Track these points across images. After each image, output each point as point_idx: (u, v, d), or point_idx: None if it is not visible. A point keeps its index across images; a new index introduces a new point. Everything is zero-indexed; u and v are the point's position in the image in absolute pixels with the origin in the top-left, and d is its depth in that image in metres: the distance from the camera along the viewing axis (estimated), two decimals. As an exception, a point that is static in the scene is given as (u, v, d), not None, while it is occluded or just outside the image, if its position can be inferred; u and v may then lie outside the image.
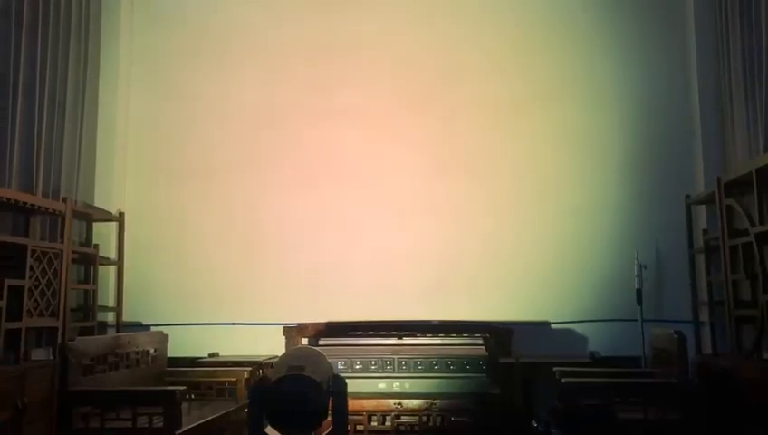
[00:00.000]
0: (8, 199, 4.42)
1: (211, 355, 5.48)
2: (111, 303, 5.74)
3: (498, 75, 5.80)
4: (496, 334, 5.21)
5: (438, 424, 4.72)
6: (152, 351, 4.90)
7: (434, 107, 5.80)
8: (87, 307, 5.45)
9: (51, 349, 4.85)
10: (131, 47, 6.14)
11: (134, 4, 6.20)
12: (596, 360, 5.08)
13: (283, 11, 6.06)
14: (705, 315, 5.18)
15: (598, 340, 5.35)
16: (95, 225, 5.69)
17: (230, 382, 4.83)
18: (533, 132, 5.70)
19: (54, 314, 4.79)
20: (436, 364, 4.97)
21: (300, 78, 5.95)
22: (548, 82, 5.73)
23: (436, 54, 5.86)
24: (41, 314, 4.65)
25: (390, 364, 5.00)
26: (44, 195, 5.03)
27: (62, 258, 4.88)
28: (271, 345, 5.33)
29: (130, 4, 6.17)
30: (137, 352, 4.70)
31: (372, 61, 5.91)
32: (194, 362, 5.25)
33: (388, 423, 4.77)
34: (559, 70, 5.73)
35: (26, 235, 4.78)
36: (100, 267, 5.55)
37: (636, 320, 5.11)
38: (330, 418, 3.56)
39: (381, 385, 4.94)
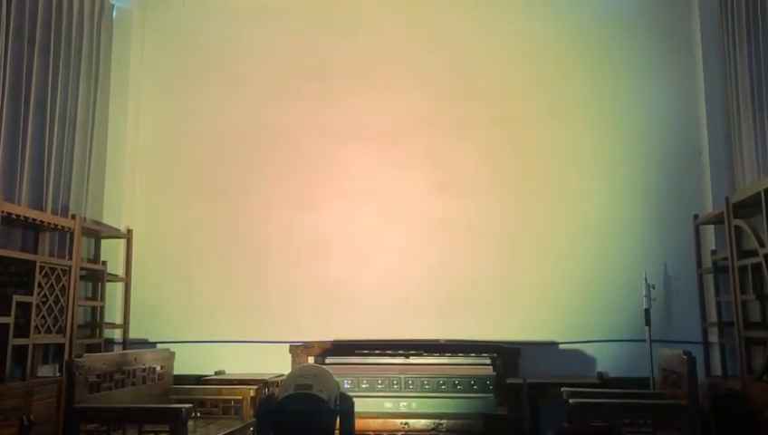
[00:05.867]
0: (18, 215, 4.45)
1: (217, 373, 5.46)
2: (118, 320, 5.74)
3: (509, 95, 5.81)
4: (504, 354, 5.18)
5: (445, 444, 4.70)
6: (158, 368, 4.89)
7: (443, 126, 5.81)
8: (94, 324, 5.46)
9: (57, 365, 4.87)
10: (141, 66, 6.20)
11: (145, 24, 6.27)
12: (604, 380, 5.04)
13: (291, 32, 6.11)
14: (714, 336, 5.14)
15: (606, 360, 5.32)
16: (103, 241, 5.73)
17: (236, 401, 4.80)
18: (543, 153, 5.70)
19: (62, 331, 4.81)
20: (443, 384, 4.96)
21: (308, 97, 5.98)
22: (557, 103, 5.73)
23: (445, 73, 5.89)
24: (48, 331, 4.67)
25: (397, 384, 4.98)
26: (54, 211, 5.07)
27: (70, 275, 4.91)
28: (277, 364, 5.31)
29: (141, 25, 6.24)
30: (143, 370, 4.69)
31: (380, 79, 5.94)
32: (200, 379, 5.24)
33: (394, 443, 4.74)
34: (569, 91, 5.73)
35: (35, 251, 4.81)
36: (108, 284, 5.57)
37: (644, 340, 5.08)
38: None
39: (388, 404, 4.92)
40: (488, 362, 5.17)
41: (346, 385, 4.88)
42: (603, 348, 5.35)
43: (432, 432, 4.72)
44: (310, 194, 5.86)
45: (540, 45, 5.84)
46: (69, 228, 5.04)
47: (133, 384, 4.56)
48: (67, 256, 5.03)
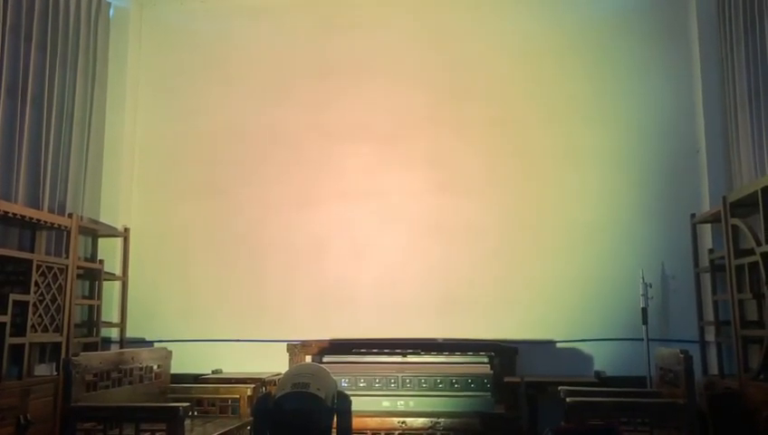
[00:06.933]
0: (14, 214, 4.44)
1: (214, 372, 5.46)
2: (115, 318, 5.74)
3: (508, 95, 5.81)
4: (501, 353, 5.19)
5: (443, 443, 4.70)
6: (155, 367, 4.88)
7: (441, 125, 5.81)
8: (91, 323, 5.46)
9: (54, 364, 4.86)
10: (139, 65, 6.20)
11: (142, 23, 6.26)
12: (601, 379, 5.05)
13: (288, 31, 6.10)
14: (711, 335, 5.15)
15: (603, 359, 5.33)
16: (100, 240, 5.71)
17: (233, 399, 4.80)
18: (540, 152, 5.70)
19: (58, 330, 4.80)
20: (440, 383, 4.97)
21: (305, 97, 5.98)
22: (556, 103, 5.74)
23: (444, 73, 5.89)
24: (45, 330, 4.66)
25: (395, 382, 4.99)
26: (50, 210, 5.06)
27: (67, 273, 4.90)
28: (275, 363, 5.32)
29: (139, 23, 6.23)
30: (140, 369, 4.68)
31: (378, 79, 5.93)
32: (197, 378, 5.23)
33: (392, 441, 4.75)
34: (567, 91, 5.74)
35: (32, 250, 4.80)
36: (105, 283, 5.55)
37: (641, 339, 5.08)
38: (334, 435, 3.54)
39: (385, 403, 4.93)
40: (486, 360, 5.18)
41: (344, 384, 4.89)
42: (601, 347, 5.36)
43: (429, 431, 4.72)
44: (308, 193, 5.86)
45: (538, 46, 5.84)
46: (66, 227, 5.03)
47: (130, 383, 4.55)
48: (64, 255, 5.02)
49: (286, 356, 5.32)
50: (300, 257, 5.78)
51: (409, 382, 4.97)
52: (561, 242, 5.56)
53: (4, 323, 4.19)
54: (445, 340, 5.34)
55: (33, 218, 4.63)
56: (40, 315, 4.60)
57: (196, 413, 4.76)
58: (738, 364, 4.48)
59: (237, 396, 4.79)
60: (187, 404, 4.03)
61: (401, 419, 4.77)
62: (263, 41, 6.13)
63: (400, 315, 5.54)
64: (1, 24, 4.59)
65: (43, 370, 4.82)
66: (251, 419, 4.32)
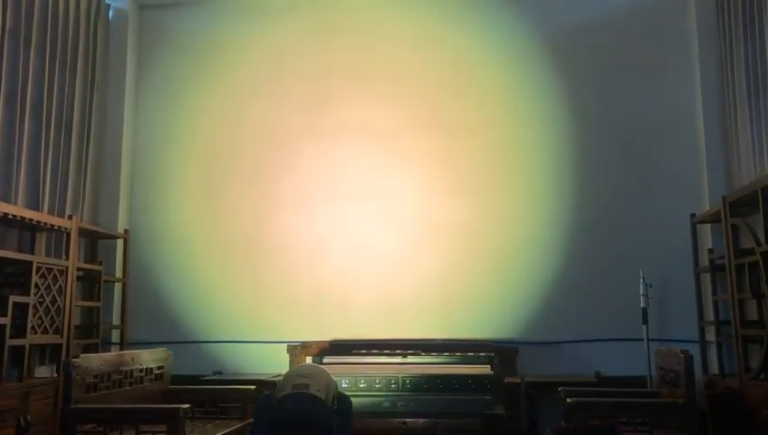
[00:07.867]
0: (14, 216, 4.44)
1: (215, 373, 5.46)
2: (116, 320, 5.74)
3: (501, 94, 5.82)
4: (501, 353, 5.19)
5: (443, 443, 4.70)
6: (156, 368, 4.88)
7: (439, 127, 5.81)
8: (91, 324, 5.46)
9: (54, 366, 4.86)
10: (138, 66, 6.21)
11: (141, 26, 6.27)
12: (601, 379, 5.05)
13: (287, 33, 6.11)
14: (711, 335, 5.15)
15: (603, 359, 5.31)
16: (100, 242, 5.72)
17: (234, 401, 4.79)
18: (539, 152, 5.70)
19: (59, 332, 4.81)
20: (440, 383, 4.96)
21: (303, 98, 5.98)
22: (554, 102, 5.74)
23: (441, 74, 5.88)
24: (45, 331, 4.67)
25: (395, 383, 4.99)
26: (50, 212, 5.06)
27: (66, 275, 4.91)
28: (275, 364, 5.32)
29: (137, 27, 6.24)
30: (140, 370, 4.68)
31: (374, 81, 5.93)
32: (198, 380, 5.23)
33: (392, 442, 4.74)
34: (565, 91, 5.74)
35: (32, 251, 4.80)
36: (105, 285, 5.56)
37: (641, 339, 5.08)
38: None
39: (386, 404, 4.92)
40: (486, 361, 5.17)
41: (344, 385, 4.88)
42: (601, 347, 5.35)
43: (430, 431, 4.72)
44: (306, 194, 5.86)
45: (536, 45, 5.84)
46: (65, 229, 5.03)
47: (131, 385, 4.54)
48: (64, 257, 5.02)
49: (286, 357, 5.32)
50: (299, 258, 5.78)
51: (410, 383, 4.97)
52: (561, 242, 5.55)
53: (5, 325, 4.19)
54: (445, 340, 5.35)
55: (32, 220, 4.64)
56: (40, 317, 4.60)
57: (196, 415, 4.75)
58: (738, 364, 4.48)
59: (238, 397, 4.78)
60: (188, 406, 4.02)
61: (401, 419, 4.77)
62: (261, 42, 6.13)
63: (400, 316, 5.54)
64: (0, 28, 4.59)
65: (43, 371, 4.83)
66: (251, 420, 4.32)
